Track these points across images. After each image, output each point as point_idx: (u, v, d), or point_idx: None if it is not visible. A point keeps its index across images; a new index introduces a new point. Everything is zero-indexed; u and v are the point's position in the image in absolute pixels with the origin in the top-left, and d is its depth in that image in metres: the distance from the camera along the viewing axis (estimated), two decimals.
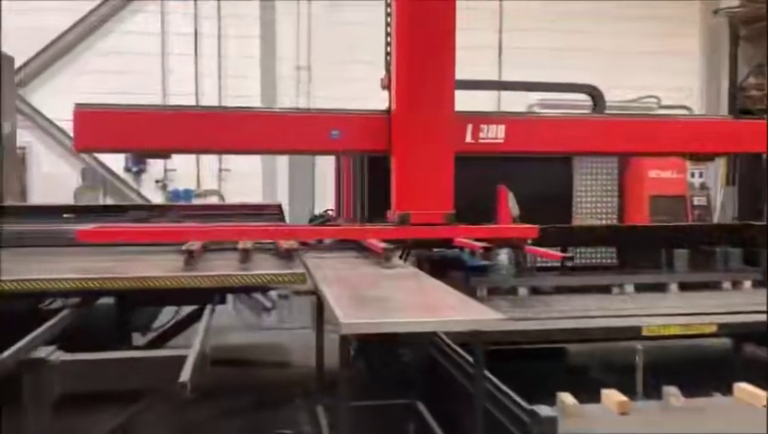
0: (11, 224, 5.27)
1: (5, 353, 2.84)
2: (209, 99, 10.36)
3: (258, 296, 8.58)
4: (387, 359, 4.57)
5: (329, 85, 10.70)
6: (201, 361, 2.82)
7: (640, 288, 5.40)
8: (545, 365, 4.74)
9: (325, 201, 8.38)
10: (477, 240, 4.59)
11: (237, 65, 10.64)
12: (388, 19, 4.92)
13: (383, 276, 3.85)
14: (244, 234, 4.76)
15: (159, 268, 4.01)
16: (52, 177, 10.04)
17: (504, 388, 2.93)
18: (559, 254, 4.55)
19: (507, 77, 10.71)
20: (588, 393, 3.03)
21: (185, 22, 10.50)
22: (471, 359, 3.20)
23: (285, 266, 4.14)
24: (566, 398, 2.94)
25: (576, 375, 4.55)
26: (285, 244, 4.48)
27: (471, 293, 4.91)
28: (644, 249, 6.03)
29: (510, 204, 5.08)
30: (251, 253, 4.32)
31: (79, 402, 3.13)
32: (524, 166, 5.69)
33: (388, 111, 4.88)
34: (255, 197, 9.95)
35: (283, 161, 10.17)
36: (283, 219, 6.05)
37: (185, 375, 2.54)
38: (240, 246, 4.42)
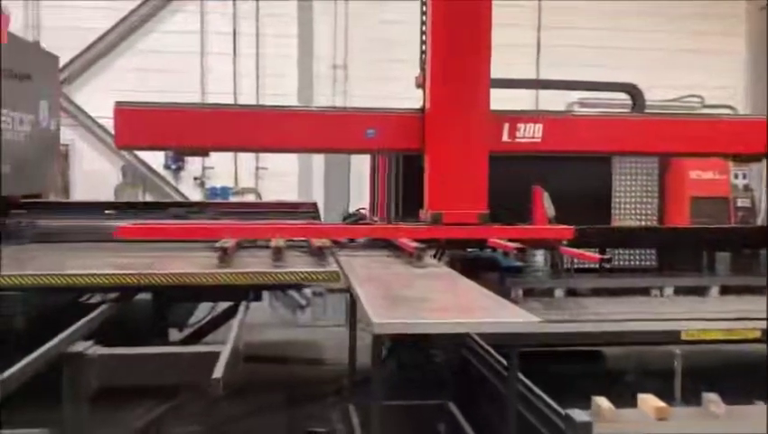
0: (54, 220, 5.37)
1: (45, 347, 2.91)
2: (247, 98, 10.45)
3: (294, 293, 8.65)
4: (419, 359, 4.55)
5: (366, 84, 10.71)
6: (234, 357, 2.84)
7: (679, 291, 5.28)
8: (580, 368, 4.66)
9: (361, 199, 8.39)
10: (511, 240, 4.54)
11: (274, 64, 10.72)
12: (424, 18, 4.89)
13: (416, 275, 3.83)
14: (279, 232, 4.79)
15: (195, 264, 4.05)
16: (94, 174, 10.26)
17: (538, 391, 2.89)
18: (597, 256, 4.45)
19: (546, 75, 10.59)
20: (625, 398, 2.97)
21: (224, 21, 10.62)
22: (504, 361, 3.16)
23: (318, 264, 4.15)
24: (602, 402, 2.89)
25: (613, 379, 4.45)
26: (318, 242, 4.49)
27: (505, 294, 4.85)
28: (685, 251, 5.89)
29: (546, 205, 5.00)
30: (284, 251, 4.33)
31: (116, 396, 3.18)
32: (561, 166, 5.61)
33: (422, 110, 4.86)
34: (291, 195, 10.01)
35: (319, 159, 10.21)
36: (318, 217, 6.07)
37: (218, 372, 2.56)
38: (273, 244, 4.44)
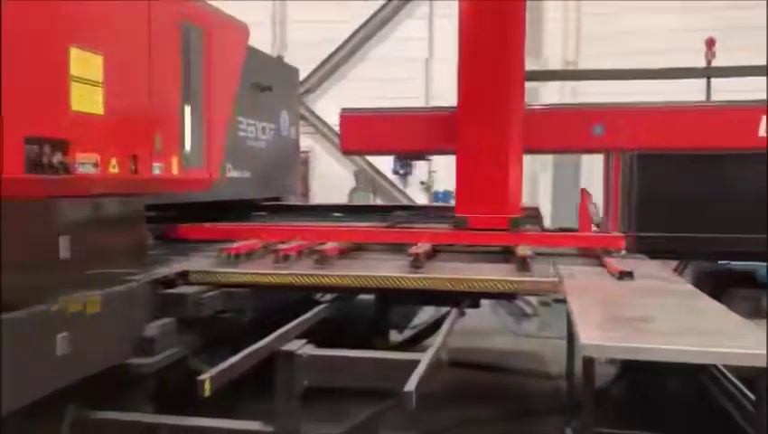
0: (292, 220, 5.72)
1: (259, 344, 3.04)
2: None
3: (518, 301, 8.36)
4: (648, 386, 4.07)
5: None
6: (433, 368, 2.71)
7: None
8: None
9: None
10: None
11: None
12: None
13: (645, 291, 3.39)
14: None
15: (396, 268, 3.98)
16: (331, 179, 10.90)
17: None
18: (619, 267, 3.68)
19: None
20: None
21: (449, 25, 10.66)
22: (751, 395, 2.65)
23: (529, 273, 3.84)
24: None
25: None
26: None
27: (762, 315, 4.21)
28: None
29: (591, 210, 4.33)
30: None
31: (329, 395, 3.24)
32: None
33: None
34: None
35: (547, 160, 9.80)
36: (540, 221, 5.75)
37: (411, 385, 2.44)
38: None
